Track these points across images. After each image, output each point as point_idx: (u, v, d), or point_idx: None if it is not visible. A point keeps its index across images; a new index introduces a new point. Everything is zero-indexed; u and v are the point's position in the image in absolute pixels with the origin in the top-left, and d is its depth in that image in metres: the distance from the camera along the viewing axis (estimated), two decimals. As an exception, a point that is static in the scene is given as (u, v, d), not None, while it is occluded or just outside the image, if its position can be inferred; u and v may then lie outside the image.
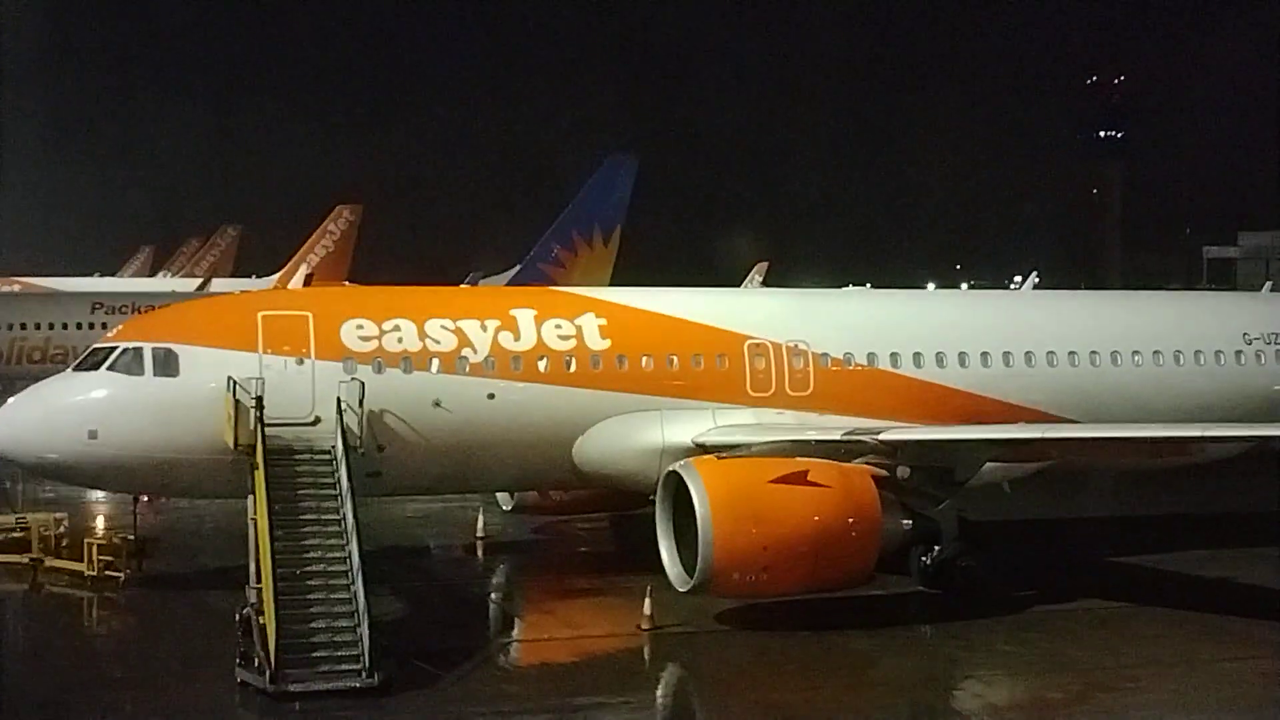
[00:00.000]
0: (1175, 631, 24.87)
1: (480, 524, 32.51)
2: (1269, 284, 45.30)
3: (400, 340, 26.44)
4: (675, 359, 27.84)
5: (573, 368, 27.20)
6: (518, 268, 56.89)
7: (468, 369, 26.59)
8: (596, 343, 27.53)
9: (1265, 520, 34.90)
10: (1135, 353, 31.29)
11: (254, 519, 22.66)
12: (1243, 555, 30.82)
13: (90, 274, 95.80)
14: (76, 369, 26.42)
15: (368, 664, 21.02)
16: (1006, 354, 30.07)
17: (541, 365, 27.02)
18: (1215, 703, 21.35)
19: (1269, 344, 32.84)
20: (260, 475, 22.95)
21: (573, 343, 27.40)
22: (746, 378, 28.05)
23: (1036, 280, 42.08)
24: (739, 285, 58.43)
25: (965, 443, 26.95)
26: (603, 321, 27.88)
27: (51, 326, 55.78)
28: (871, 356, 29.03)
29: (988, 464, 27.43)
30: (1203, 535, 32.96)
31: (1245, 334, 32.81)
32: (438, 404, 26.23)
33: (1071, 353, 30.65)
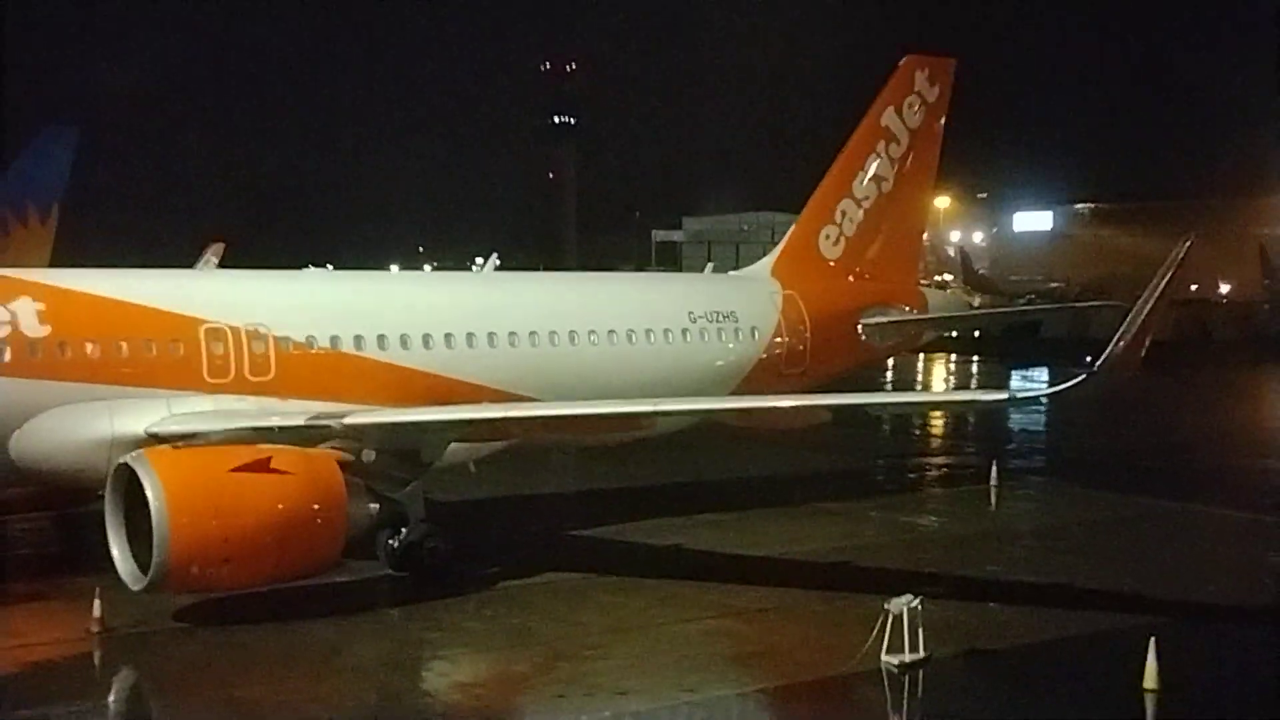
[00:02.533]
0: (632, 599, 26.09)
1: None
2: (710, 265, 48.69)
3: None
4: (124, 345, 26.47)
5: (6, 357, 25.20)
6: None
7: (-121, 359, 24.22)
8: (34, 329, 25.65)
9: (709, 488, 37.54)
10: (592, 332, 32.68)
11: None
12: (690, 522, 32.86)
13: None
14: None
15: None
16: (470, 335, 30.61)
17: (-30, 354, 25.00)
18: (670, 663, 22.59)
19: (711, 321, 35.20)
20: None
21: (6, 329, 25.39)
22: (203, 363, 27.06)
23: (498, 262, 43.08)
24: (192, 267, 56.19)
25: (429, 424, 27.16)
26: (41, 306, 26.00)
27: None
28: (335, 339, 28.76)
29: (453, 444, 27.82)
30: (655, 504, 34.87)
31: (690, 312, 35.00)
32: None
33: (532, 333, 31.61)
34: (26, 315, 25.76)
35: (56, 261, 46.98)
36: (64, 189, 52.18)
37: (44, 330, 25.78)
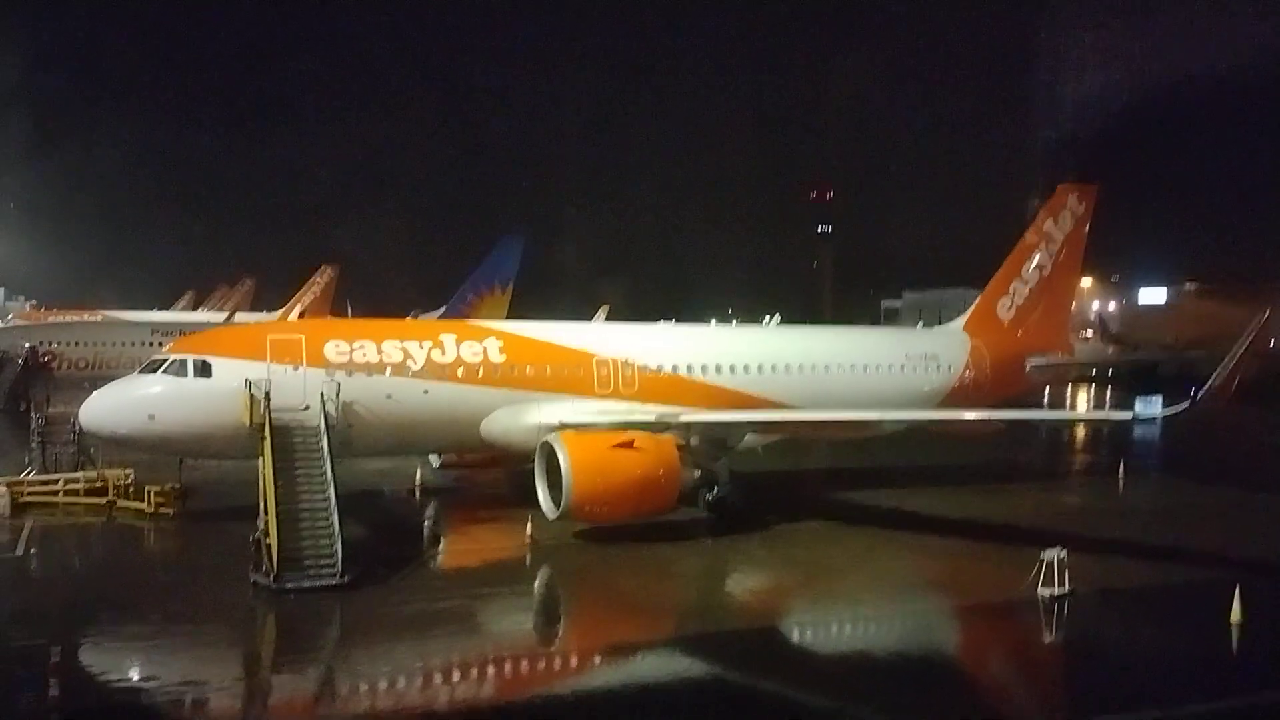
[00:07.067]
0: (864, 540, 25.51)
1: (418, 475, 31.85)
2: (920, 322, 46.96)
3: (364, 355, 25.75)
4: (548, 367, 27.68)
5: (480, 374, 26.79)
6: (444, 308, 55.84)
7: (410, 374, 26.03)
8: (496, 357, 27.18)
9: (914, 471, 36.15)
10: (840, 365, 32.13)
11: (263, 473, 21.92)
12: (905, 493, 31.68)
13: (151, 308, 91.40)
14: (140, 373, 25.25)
15: (340, 569, 20.54)
16: (760, 365, 30.57)
17: (460, 372, 26.56)
18: (888, 583, 22.07)
19: (921, 360, 34.09)
20: (267, 444, 22.20)
21: (481, 357, 27.01)
22: (594, 380, 28.01)
23: (779, 319, 42.79)
24: (590, 320, 58.16)
25: (733, 423, 27.35)
26: (501, 343, 27.55)
27: (124, 344, 53.20)
28: (675, 367, 29.24)
29: (748, 435, 27.90)
30: (880, 479, 33.87)
31: (907, 353, 33.98)
32: (389, 397, 25.62)
33: (801, 365, 31.33)
34: (492, 349, 27.28)
35: (510, 316, 49.35)
36: (515, 272, 54.77)
37: (502, 358, 27.23)
